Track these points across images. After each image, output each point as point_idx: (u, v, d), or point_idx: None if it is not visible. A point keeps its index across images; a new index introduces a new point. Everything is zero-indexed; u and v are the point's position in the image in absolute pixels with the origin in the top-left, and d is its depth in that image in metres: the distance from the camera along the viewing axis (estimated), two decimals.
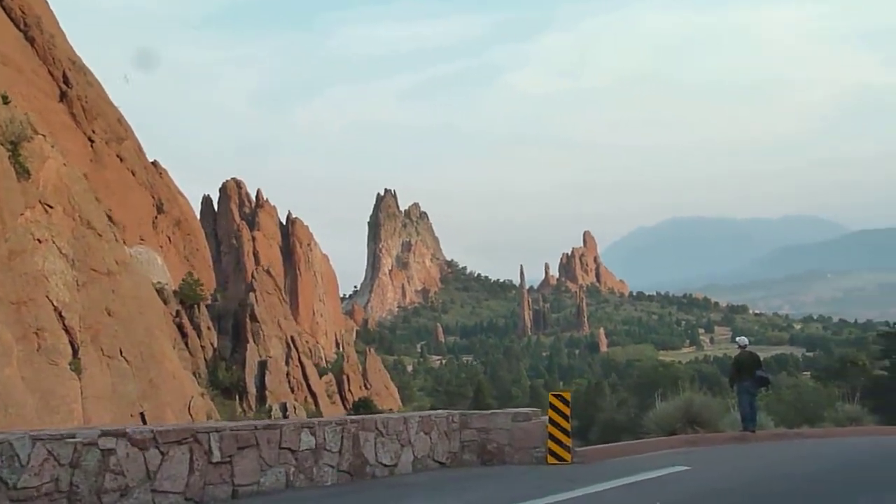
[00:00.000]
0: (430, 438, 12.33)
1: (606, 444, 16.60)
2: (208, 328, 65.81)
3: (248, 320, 69.26)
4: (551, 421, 12.94)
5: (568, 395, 13.30)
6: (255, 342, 68.87)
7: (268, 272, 77.59)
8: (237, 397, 63.80)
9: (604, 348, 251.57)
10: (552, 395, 13.18)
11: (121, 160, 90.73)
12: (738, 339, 21.62)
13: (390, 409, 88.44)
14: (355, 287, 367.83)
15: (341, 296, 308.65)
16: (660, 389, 20.02)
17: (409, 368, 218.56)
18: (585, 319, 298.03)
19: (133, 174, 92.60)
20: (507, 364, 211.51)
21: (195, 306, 65.04)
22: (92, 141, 79.27)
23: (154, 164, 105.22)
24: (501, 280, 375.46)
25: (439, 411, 13.10)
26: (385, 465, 11.44)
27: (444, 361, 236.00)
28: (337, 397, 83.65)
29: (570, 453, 12.92)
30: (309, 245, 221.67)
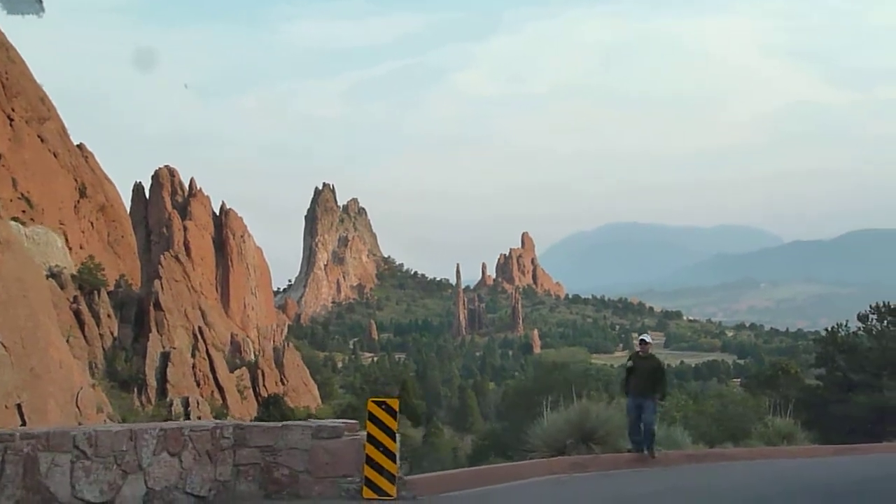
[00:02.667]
0: (181, 461, 8.41)
1: (455, 471, 12.76)
2: (109, 316, 61.24)
3: (151, 309, 64.60)
4: (370, 438, 9.14)
5: (395, 404, 9.48)
6: (158, 332, 64.32)
7: (176, 258, 72.73)
8: (136, 390, 59.23)
9: (537, 350, 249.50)
10: (371, 401, 9.33)
11: (42, 141, 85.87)
12: (642, 336, 17.17)
13: (306, 407, 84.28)
14: (290, 281, 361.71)
15: (275, 290, 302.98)
16: (549, 396, 15.95)
17: (340, 365, 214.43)
18: (520, 321, 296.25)
19: (55, 156, 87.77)
20: (438, 363, 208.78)
21: (95, 292, 60.35)
22: (11, 119, 74.34)
23: (80, 147, 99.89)
24: (438, 279, 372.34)
25: (202, 421, 9.19)
26: None
27: (375, 359, 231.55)
28: (250, 392, 79.20)
29: (396, 485, 9.12)
30: (242, 237, 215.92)
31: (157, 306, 64.11)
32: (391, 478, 9.10)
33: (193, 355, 66.54)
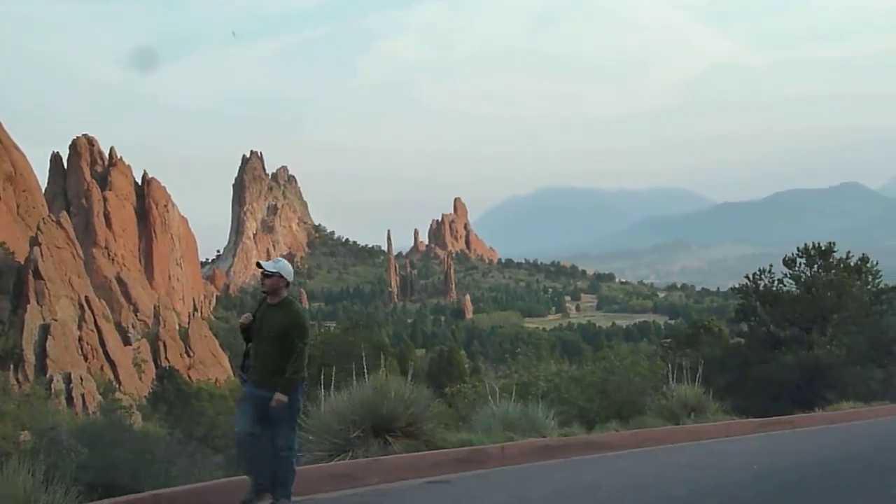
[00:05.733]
0: None
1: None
2: None
3: (30, 278, 58.91)
4: None
5: None
6: (38, 303, 58.70)
7: (58, 223, 66.69)
8: (11, 367, 53.81)
9: (469, 315, 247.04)
10: None
11: None
12: (262, 262, 8.20)
13: (209, 380, 79.41)
14: (218, 252, 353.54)
15: (204, 260, 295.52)
16: (352, 365, 11.36)
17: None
18: (453, 286, 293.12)
19: None
20: (367, 331, 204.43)
21: None
22: None
23: None
24: (370, 246, 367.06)
25: None
26: None
27: None
28: (149, 366, 73.88)
29: None
30: (166, 206, 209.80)
31: (37, 275, 58.44)
32: None
33: (80, 327, 61.13)
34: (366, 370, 11.27)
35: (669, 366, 17.34)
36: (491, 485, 9.82)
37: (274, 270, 8.19)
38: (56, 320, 57.97)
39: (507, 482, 9.99)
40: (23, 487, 6.94)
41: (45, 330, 56.80)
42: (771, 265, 29.62)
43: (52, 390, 50.22)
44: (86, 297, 63.34)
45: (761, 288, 29.21)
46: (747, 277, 29.75)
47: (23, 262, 60.76)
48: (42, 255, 60.55)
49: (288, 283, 8.32)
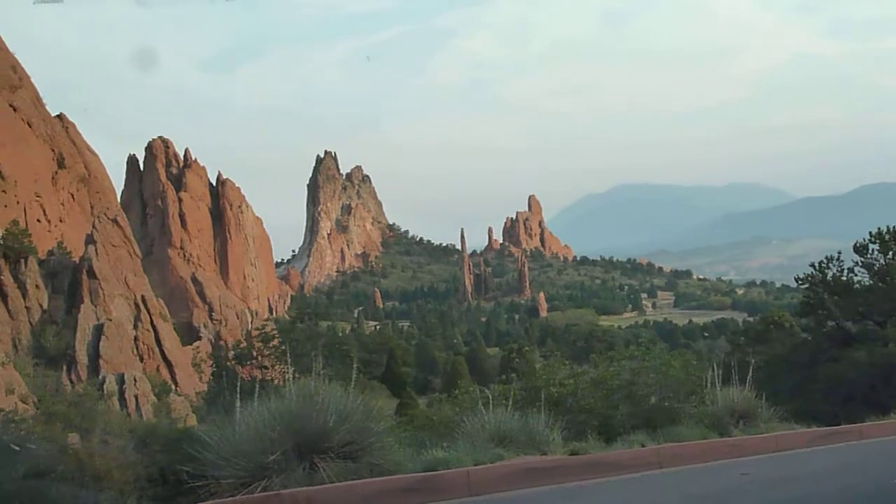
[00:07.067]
0: None
1: None
2: (37, 286, 55.65)
3: (84, 277, 58.87)
4: None
5: None
6: (92, 303, 58.61)
7: (114, 221, 66.79)
8: (64, 367, 53.70)
9: (543, 313, 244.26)
10: None
11: (14, 109, 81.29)
12: None
13: (271, 380, 79.05)
14: (293, 252, 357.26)
15: (279, 261, 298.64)
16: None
17: (340, 335, 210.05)
18: (527, 284, 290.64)
19: (29, 125, 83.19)
20: (441, 329, 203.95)
21: (22, 261, 54.82)
22: None
23: (59, 117, 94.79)
24: (444, 244, 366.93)
25: None
26: None
27: (377, 327, 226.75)
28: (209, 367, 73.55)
29: None
30: (240, 207, 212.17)
31: (91, 274, 58.40)
32: None
33: (136, 327, 61.02)
34: (319, 370, 9.51)
35: (715, 367, 15.04)
36: None
37: None
38: (110, 320, 57.81)
39: None
40: None
41: (98, 330, 56.63)
42: (840, 252, 26.85)
43: (105, 391, 49.80)
44: (142, 296, 63.25)
45: (829, 278, 26.39)
46: (813, 266, 26.93)
47: (77, 262, 60.82)
48: (97, 253, 60.59)
49: None
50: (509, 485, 9.33)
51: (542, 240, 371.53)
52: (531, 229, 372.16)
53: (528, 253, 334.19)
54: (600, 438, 12.67)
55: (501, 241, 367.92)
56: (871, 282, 26.21)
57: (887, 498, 9.19)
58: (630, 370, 14.77)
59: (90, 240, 61.67)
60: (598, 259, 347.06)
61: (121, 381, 51.58)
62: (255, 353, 35.35)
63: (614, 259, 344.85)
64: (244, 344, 46.44)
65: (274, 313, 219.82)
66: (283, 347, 28.99)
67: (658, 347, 18.87)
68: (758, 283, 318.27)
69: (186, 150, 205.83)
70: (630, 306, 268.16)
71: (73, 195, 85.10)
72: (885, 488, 9.46)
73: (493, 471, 9.53)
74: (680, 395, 14.48)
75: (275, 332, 37.51)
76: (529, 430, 11.52)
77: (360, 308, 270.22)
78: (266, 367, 29.50)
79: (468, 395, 16.98)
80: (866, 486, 9.53)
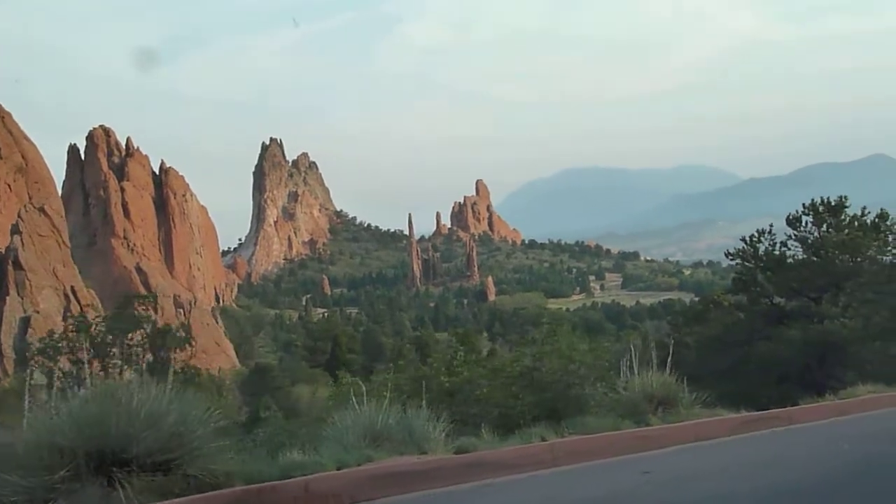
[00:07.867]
0: None
1: None
2: None
3: (10, 268, 56.37)
4: None
5: None
6: (18, 294, 56.16)
7: (41, 210, 64.08)
8: None
9: (492, 297, 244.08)
10: None
11: None
12: None
13: (219, 369, 77.13)
14: (240, 240, 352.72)
15: (225, 249, 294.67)
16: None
17: (288, 322, 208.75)
18: (476, 269, 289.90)
19: None
20: (389, 315, 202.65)
21: None
22: None
23: None
24: (392, 230, 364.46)
25: None
26: None
27: (325, 314, 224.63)
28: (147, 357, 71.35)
29: None
30: (184, 196, 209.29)
31: (17, 265, 55.89)
32: None
33: (65, 318, 58.62)
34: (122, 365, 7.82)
35: (633, 348, 13.45)
36: None
37: None
38: (38, 312, 55.41)
39: None
40: None
41: (25, 322, 54.25)
42: (771, 224, 25.33)
43: (30, 385, 46.80)
44: (72, 286, 60.77)
45: (761, 252, 24.82)
46: (744, 240, 25.36)
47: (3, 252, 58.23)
48: (23, 244, 57.99)
49: None
50: (354, 496, 7.49)
51: (490, 224, 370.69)
52: (479, 213, 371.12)
53: (477, 237, 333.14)
54: (497, 433, 11.15)
55: (450, 226, 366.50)
56: (805, 256, 24.77)
57: (810, 498, 7.75)
58: (531, 356, 13.30)
59: (15, 230, 58.94)
60: (547, 242, 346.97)
61: (50, 374, 49.21)
62: (67, 345, 32.70)
63: (563, 242, 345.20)
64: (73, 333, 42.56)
65: (221, 302, 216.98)
66: (101, 340, 26.97)
67: (563, 329, 17.28)
68: (704, 263, 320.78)
69: (128, 139, 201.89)
70: (578, 289, 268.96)
71: (9, 185, 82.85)
72: (807, 487, 8.02)
73: (335, 478, 7.76)
74: (588, 381, 13.03)
75: (98, 319, 34.91)
76: (409, 425, 9.93)
77: (308, 296, 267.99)
78: (81, 362, 27.23)
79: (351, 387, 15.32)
80: (787, 484, 8.07)
